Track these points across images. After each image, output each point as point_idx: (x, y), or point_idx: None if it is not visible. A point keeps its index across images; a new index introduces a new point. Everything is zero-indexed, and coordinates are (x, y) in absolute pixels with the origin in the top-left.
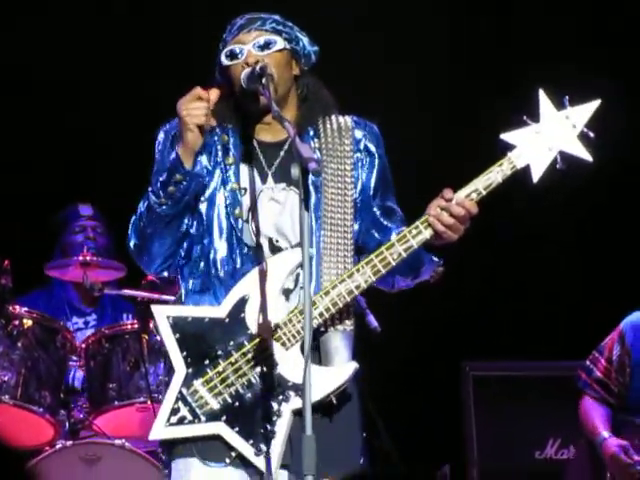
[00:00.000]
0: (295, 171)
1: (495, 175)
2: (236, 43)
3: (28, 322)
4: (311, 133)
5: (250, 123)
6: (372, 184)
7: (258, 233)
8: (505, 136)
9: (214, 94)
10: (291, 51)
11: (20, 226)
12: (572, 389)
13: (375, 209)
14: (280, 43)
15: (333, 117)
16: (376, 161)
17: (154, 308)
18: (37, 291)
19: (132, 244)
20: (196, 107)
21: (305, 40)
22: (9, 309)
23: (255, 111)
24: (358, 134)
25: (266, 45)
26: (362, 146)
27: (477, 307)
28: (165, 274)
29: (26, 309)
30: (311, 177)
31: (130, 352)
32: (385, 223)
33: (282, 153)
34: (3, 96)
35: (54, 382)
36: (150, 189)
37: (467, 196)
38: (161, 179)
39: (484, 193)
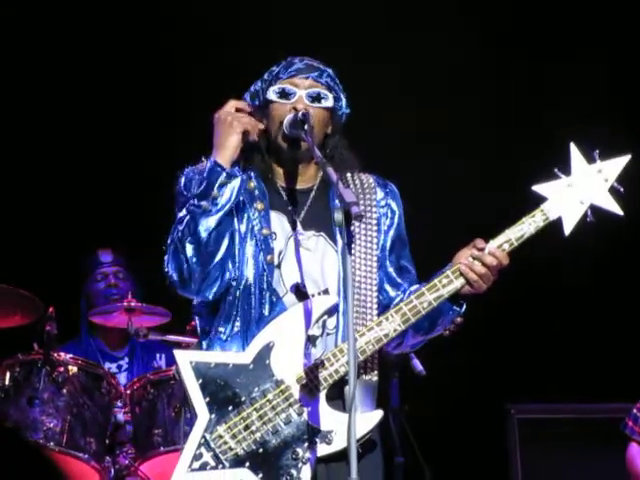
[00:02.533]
0: (339, 215)
1: (527, 227)
2: (290, 84)
3: (73, 369)
4: None
5: (275, 169)
6: (389, 242)
7: (288, 280)
8: (537, 188)
9: (245, 106)
10: (332, 110)
11: (63, 273)
12: (618, 431)
13: (390, 266)
14: (330, 101)
15: (355, 175)
16: (396, 219)
17: (177, 353)
18: (70, 342)
19: (174, 276)
20: (241, 115)
21: (344, 102)
22: (54, 356)
23: (291, 156)
24: (380, 192)
25: (317, 98)
26: (384, 203)
27: (522, 350)
28: (211, 298)
29: (71, 356)
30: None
31: (175, 398)
32: (398, 280)
33: (309, 200)
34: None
35: (99, 428)
36: (189, 207)
37: (499, 246)
38: (200, 189)
39: (516, 244)
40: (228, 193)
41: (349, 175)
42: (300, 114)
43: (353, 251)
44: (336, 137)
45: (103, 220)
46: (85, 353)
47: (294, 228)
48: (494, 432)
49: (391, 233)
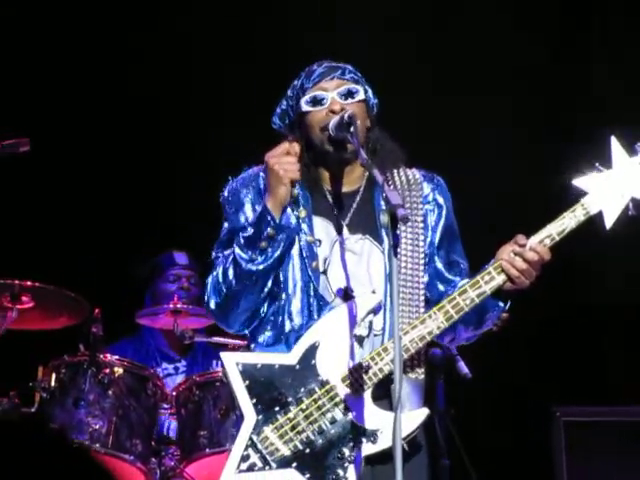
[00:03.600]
0: (384, 218)
1: (569, 221)
2: (318, 90)
3: (119, 370)
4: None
5: (320, 173)
6: (438, 237)
7: (335, 285)
8: (577, 182)
9: (298, 148)
10: (366, 102)
11: (109, 275)
12: None
13: (439, 261)
14: (361, 94)
15: (401, 170)
16: (443, 213)
17: (223, 355)
18: (126, 339)
19: (213, 304)
20: (288, 162)
21: (371, 92)
22: (100, 357)
23: (338, 159)
24: (426, 187)
25: (349, 94)
26: (431, 198)
27: (569, 351)
28: (246, 331)
29: (117, 357)
30: (384, 228)
31: (221, 399)
32: (448, 276)
33: (355, 204)
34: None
35: (145, 430)
36: (236, 246)
37: (540, 242)
38: (247, 234)
39: (557, 239)
40: (277, 250)
41: (395, 171)
42: (346, 116)
43: (399, 249)
44: (376, 129)
45: (148, 223)
46: (140, 351)
47: (340, 232)
48: (540, 435)
49: (439, 229)
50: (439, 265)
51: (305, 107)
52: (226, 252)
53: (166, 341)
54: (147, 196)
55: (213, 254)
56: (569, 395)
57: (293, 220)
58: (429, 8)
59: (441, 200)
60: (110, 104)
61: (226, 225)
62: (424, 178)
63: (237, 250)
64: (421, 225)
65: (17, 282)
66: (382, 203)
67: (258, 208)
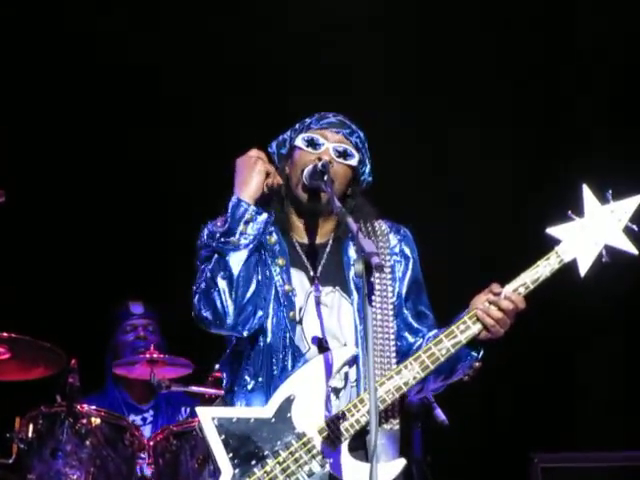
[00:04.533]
0: (359, 266)
1: (543, 269)
2: (320, 135)
3: (96, 420)
4: (349, 237)
5: (293, 223)
6: (405, 288)
7: (309, 336)
8: (551, 230)
9: (264, 156)
10: (355, 171)
11: (83, 323)
12: None
13: (407, 312)
14: (355, 160)
15: (369, 222)
16: (410, 265)
17: (199, 411)
18: (93, 395)
19: (208, 315)
20: (260, 157)
21: (368, 168)
22: (77, 408)
23: (310, 209)
24: (393, 238)
25: (344, 154)
26: (398, 250)
27: (545, 397)
28: (245, 334)
29: (94, 407)
30: (352, 278)
31: (198, 449)
32: (417, 326)
33: (325, 255)
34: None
35: None
36: (215, 246)
37: (515, 290)
38: (226, 227)
39: (532, 287)
40: (256, 227)
41: (362, 223)
42: (320, 164)
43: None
44: (356, 197)
45: (124, 272)
46: (110, 405)
47: (312, 284)
48: None
49: (406, 280)
50: (408, 316)
51: (300, 143)
52: (209, 266)
53: (131, 393)
54: (121, 247)
55: (195, 285)
56: (545, 441)
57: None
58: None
59: (408, 251)
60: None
61: (202, 257)
62: (390, 229)
63: (219, 246)
64: (389, 276)
65: None
66: (352, 254)
67: None
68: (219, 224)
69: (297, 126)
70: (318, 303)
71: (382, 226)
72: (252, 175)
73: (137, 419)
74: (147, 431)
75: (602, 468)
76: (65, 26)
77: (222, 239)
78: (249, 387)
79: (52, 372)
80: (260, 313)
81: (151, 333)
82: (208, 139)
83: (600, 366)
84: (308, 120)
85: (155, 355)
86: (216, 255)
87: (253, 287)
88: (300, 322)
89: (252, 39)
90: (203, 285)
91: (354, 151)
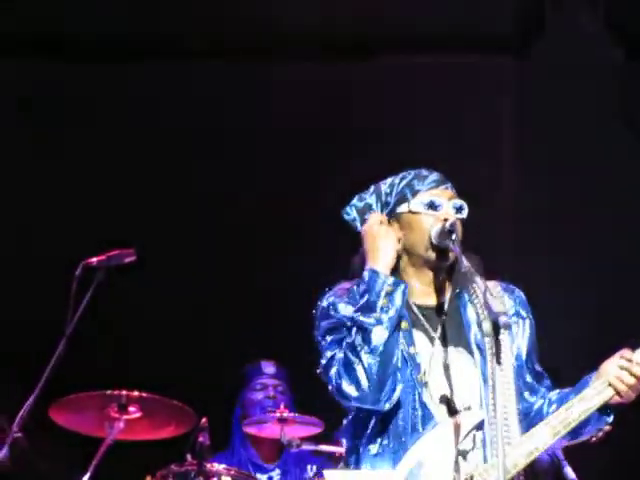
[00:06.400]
0: (487, 326)
1: None
2: (434, 196)
3: (226, 479)
4: (466, 298)
5: (410, 286)
6: (525, 349)
7: (435, 396)
8: None
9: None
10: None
11: (214, 382)
12: None
13: (527, 373)
14: (466, 211)
15: (481, 283)
16: (527, 325)
17: (327, 473)
18: (220, 453)
19: (351, 390)
20: (386, 227)
21: None
22: (207, 466)
23: (437, 266)
24: (508, 300)
25: (460, 208)
26: (513, 311)
27: None
28: (387, 407)
29: (224, 466)
30: (474, 338)
31: None
32: (537, 386)
33: (443, 316)
34: None
35: None
36: (355, 320)
37: None
38: (364, 301)
39: None
40: (399, 300)
41: (480, 280)
42: (448, 224)
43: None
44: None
45: (253, 330)
46: (237, 464)
47: (433, 345)
48: None
49: (525, 340)
50: (528, 377)
51: (419, 208)
52: (349, 340)
53: (258, 452)
54: (257, 307)
55: (326, 356)
56: None
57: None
58: None
59: (523, 312)
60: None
61: (326, 328)
62: (504, 291)
63: (360, 318)
64: (508, 338)
65: (125, 393)
66: (470, 314)
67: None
68: (351, 296)
69: (387, 190)
70: (442, 364)
71: (497, 287)
72: (387, 244)
73: (263, 478)
74: None
75: None
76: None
77: (361, 314)
78: (374, 451)
79: (182, 431)
80: (400, 386)
81: (280, 393)
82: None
83: None
84: (402, 182)
85: (285, 414)
86: (355, 328)
87: (394, 362)
88: (426, 384)
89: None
90: (343, 360)
91: (463, 202)
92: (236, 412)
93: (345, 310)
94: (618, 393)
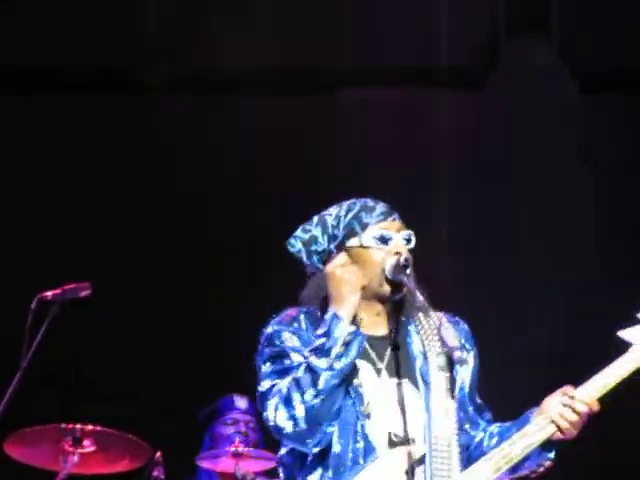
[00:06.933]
0: (441, 360)
1: (616, 372)
2: (384, 229)
3: None
4: (411, 329)
5: (357, 318)
6: (468, 381)
7: (378, 429)
8: (622, 333)
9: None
10: None
11: (169, 417)
12: None
13: (470, 406)
14: (414, 240)
15: (436, 317)
16: (471, 358)
17: None
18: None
19: (287, 426)
20: (353, 270)
21: None
22: None
23: (389, 300)
24: (454, 332)
25: (409, 240)
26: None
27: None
28: (314, 450)
29: None
30: (419, 372)
31: None
32: (478, 420)
33: (389, 347)
34: None
35: None
36: (310, 357)
37: (588, 394)
38: (320, 344)
39: (604, 392)
40: (354, 352)
41: (434, 314)
42: (403, 259)
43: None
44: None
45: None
46: None
47: (379, 376)
48: None
49: (469, 373)
50: (470, 410)
51: (370, 242)
52: (284, 380)
53: None
54: (209, 340)
55: (265, 385)
56: None
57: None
58: None
59: (468, 345)
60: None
61: (269, 355)
62: (450, 323)
63: (312, 359)
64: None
65: (79, 426)
66: (415, 346)
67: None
68: (297, 327)
69: (333, 222)
70: (385, 395)
71: (442, 318)
72: (350, 294)
73: None
74: None
75: None
76: None
77: (316, 356)
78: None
79: (137, 465)
80: (331, 429)
81: (252, 430)
82: None
83: None
84: (349, 214)
85: (240, 448)
86: (305, 365)
87: (334, 409)
88: (369, 416)
89: None
90: (285, 394)
91: (412, 234)
92: (204, 444)
93: (290, 341)
94: (560, 429)
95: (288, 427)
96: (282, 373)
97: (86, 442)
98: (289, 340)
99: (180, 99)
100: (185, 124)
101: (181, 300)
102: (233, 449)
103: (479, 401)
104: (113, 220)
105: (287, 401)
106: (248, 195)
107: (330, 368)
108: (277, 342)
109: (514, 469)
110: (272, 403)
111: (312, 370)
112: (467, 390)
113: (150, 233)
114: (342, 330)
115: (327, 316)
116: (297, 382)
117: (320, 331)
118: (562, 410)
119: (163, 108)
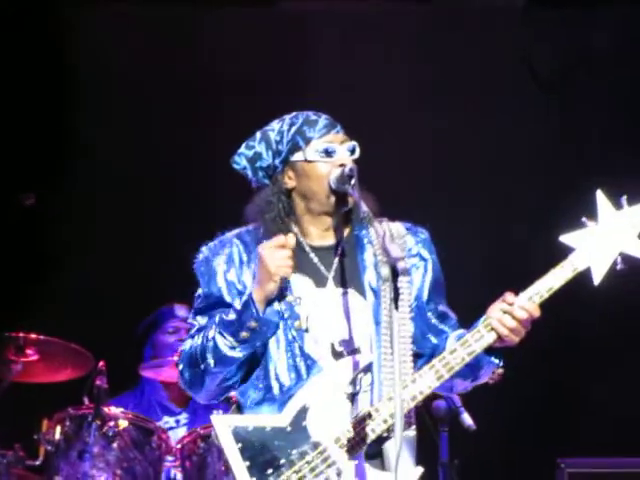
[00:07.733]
0: (385, 271)
1: (556, 277)
2: (328, 142)
3: (124, 423)
4: (365, 240)
5: (303, 227)
6: (426, 289)
7: (320, 341)
8: (564, 238)
9: (292, 240)
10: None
11: (112, 326)
12: None
13: (430, 314)
14: (358, 150)
15: (384, 224)
16: (429, 266)
17: (214, 419)
18: (127, 392)
19: (187, 375)
20: (282, 256)
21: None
22: (105, 410)
23: (335, 212)
24: (410, 240)
25: (353, 151)
26: (415, 252)
27: (573, 402)
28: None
29: (122, 410)
30: (368, 283)
31: None
32: (440, 327)
33: (337, 257)
34: None
35: None
36: (217, 329)
37: (529, 299)
38: (229, 319)
39: (546, 296)
40: (257, 340)
41: (377, 224)
42: (348, 169)
43: (384, 303)
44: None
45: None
46: (141, 405)
47: (324, 286)
48: None
49: (427, 282)
50: (431, 318)
51: (314, 156)
52: (202, 321)
53: (167, 394)
54: (151, 249)
55: (189, 320)
56: (574, 446)
57: (275, 318)
58: None
59: (426, 253)
60: None
61: (200, 292)
62: (408, 231)
63: (217, 335)
64: (406, 279)
65: (22, 335)
66: (367, 257)
67: (229, 277)
68: (217, 289)
69: (277, 137)
70: (327, 306)
71: (399, 228)
72: (268, 282)
73: (170, 421)
74: (182, 433)
75: (630, 474)
76: None
77: (223, 326)
78: (260, 397)
79: (80, 374)
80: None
81: None
82: None
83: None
84: (292, 129)
85: None
86: (212, 336)
87: (233, 375)
88: (307, 330)
89: None
90: (190, 352)
91: (354, 142)
92: (146, 352)
93: (220, 266)
94: (500, 337)
95: (185, 384)
96: (201, 312)
97: (29, 351)
98: (220, 266)
99: None
100: None
101: (124, 211)
102: (176, 358)
103: (442, 308)
104: None
105: (191, 360)
106: None
107: (232, 348)
108: (207, 269)
109: (475, 378)
110: (184, 354)
111: (216, 344)
112: (425, 298)
113: None
114: (250, 316)
115: (243, 298)
116: (203, 350)
117: (237, 304)
118: (501, 317)
119: None
